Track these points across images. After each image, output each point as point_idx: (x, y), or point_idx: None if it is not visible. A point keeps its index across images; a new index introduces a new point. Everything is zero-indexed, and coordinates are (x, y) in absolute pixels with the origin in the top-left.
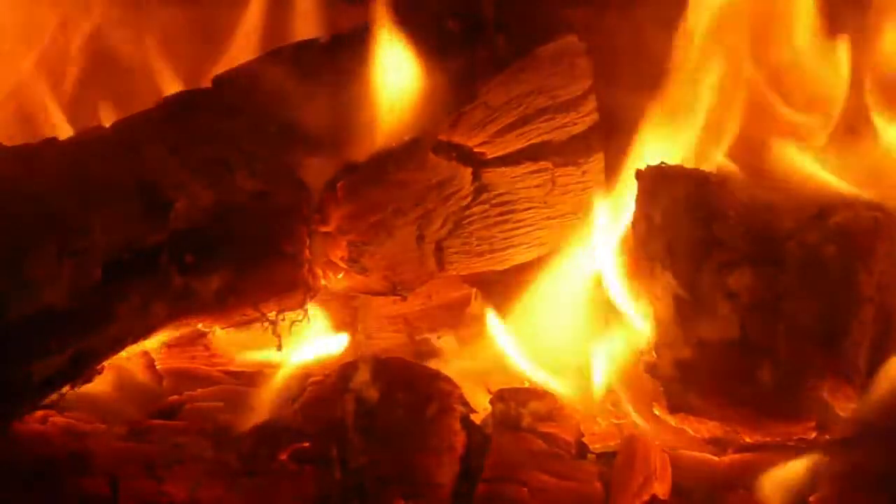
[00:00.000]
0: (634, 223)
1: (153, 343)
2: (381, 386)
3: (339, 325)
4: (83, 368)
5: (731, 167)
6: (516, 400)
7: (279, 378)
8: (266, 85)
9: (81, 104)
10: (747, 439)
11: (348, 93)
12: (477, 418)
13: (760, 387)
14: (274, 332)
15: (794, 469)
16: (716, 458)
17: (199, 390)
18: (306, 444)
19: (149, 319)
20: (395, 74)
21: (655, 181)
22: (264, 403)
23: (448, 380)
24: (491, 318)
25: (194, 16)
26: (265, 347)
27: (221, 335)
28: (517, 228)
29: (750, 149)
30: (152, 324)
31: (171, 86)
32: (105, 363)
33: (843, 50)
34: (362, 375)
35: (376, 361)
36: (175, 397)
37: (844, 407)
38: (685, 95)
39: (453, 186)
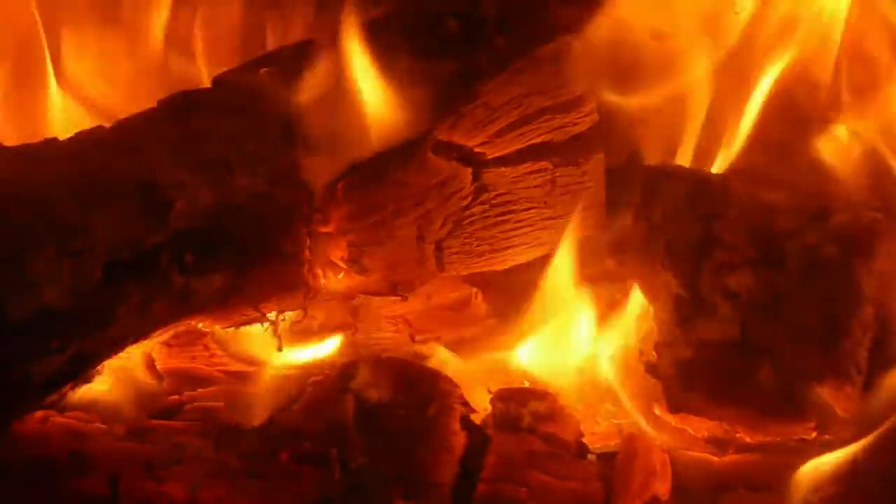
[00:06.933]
0: (634, 223)
1: (153, 343)
2: (381, 386)
3: (339, 325)
4: (83, 368)
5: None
6: (516, 400)
7: (279, 378)
8: (266, 85)
9: None
10: (747, 439)
11: (349, 93)
12: (477, 418)
13: (760, 387)
14: (274, 332)
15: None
16: (716, 458)
17: (199, 390)
18: (306, 444)
19: (149, 319)
20: (396, 74)
21: (655, 181)
22: (264, 403)
23: (448, 380)
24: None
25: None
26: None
27: (221, 335)
28: (517, 228)
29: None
30: (152, 324)
31: None
32: (105, 363)
33: None
34: (362, 375)
35: (376, 361)
36: (175, 397)
37: (844, 407)
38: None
39: (453, 186)
